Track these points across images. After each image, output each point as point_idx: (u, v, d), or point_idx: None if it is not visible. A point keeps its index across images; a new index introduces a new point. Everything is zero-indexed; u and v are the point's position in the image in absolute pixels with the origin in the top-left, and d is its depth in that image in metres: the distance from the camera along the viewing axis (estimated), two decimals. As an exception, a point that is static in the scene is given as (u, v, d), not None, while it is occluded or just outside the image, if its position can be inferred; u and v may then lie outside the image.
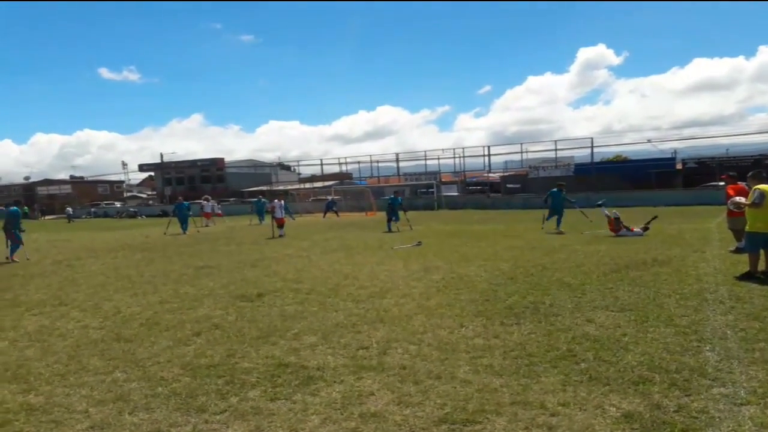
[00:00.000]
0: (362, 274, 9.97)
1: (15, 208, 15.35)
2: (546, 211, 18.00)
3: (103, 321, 7.01)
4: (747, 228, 8.32)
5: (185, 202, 25.22)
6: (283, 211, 20.73)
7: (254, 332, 6.09)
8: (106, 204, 67.38)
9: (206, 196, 32.49)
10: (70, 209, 50.69)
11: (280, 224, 20.01)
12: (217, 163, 68.78)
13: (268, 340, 5.74)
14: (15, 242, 14.79)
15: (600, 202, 16.56)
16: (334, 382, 4.45)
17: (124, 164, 79.27)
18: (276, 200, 21.45)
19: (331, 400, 4.09)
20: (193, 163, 71.10)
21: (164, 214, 46.28)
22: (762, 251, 8.10)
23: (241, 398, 4.19)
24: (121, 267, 12.56)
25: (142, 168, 77.23)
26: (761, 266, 8.07)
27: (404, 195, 35.09)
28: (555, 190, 17.78)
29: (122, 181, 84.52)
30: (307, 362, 4.97)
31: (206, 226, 28.69)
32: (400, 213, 21.06)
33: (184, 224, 23.97)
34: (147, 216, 52.43)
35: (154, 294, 8.78)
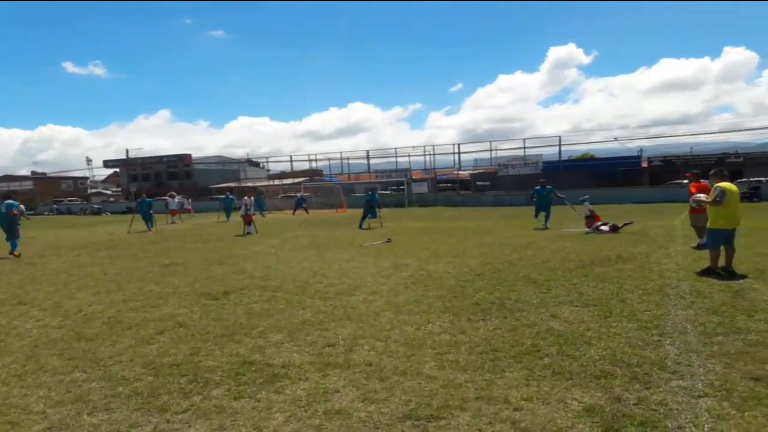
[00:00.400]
0: (331, 271, 9.92)
1: (14, 201, 15.63)
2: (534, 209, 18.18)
3: (63, 320, 6.82)
4: (708, 225, 8.53)
5: (148, 199, 24.73)
6: (252, 209, 20.59)
7: (219, 330, 6.00)
8: (69, 201, 65.70)
9: (171, 192, 31.93)
10: (22, 206, 49.11)
11: (248, 222, 19.82)
12: (184, 159, 67.53)
13: (233, 338, 5.66)
14: (17, 236, 14.73)
15: (583, 198, 16.79)
16: (299, 379, 4.42)
17: (88, 160, 76.49)
18: (246, 197, 21.26)
19: (295, 397, 4.05)
20: (159, 159, 69.59)
21: (129, 210, 45.39)
22: (723, 247, 8.31)
23: (204, 397, 4.13)
24: (85, 265, 12.26)
25: (107, 164, 75.34)
26: (721, 262, 8.28)
27: (377, 192, 35.06)
28: (538, 187, 18.00)
29: (86, 178, 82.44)
30: (272, 360, 4.91)
31: (173, 223, 28.22)
32: (375, 210, 21.12)
33: (148, 221, 23.56)
34: (111, 213, 51.38)
35: (118, 292, 8.59)
